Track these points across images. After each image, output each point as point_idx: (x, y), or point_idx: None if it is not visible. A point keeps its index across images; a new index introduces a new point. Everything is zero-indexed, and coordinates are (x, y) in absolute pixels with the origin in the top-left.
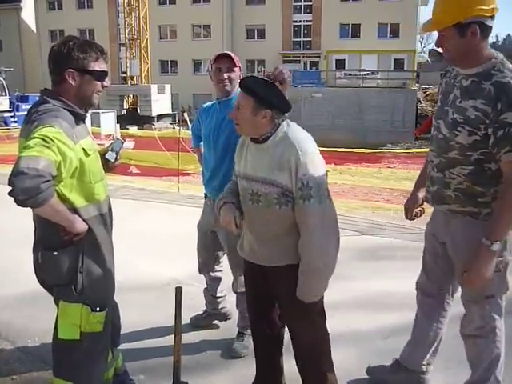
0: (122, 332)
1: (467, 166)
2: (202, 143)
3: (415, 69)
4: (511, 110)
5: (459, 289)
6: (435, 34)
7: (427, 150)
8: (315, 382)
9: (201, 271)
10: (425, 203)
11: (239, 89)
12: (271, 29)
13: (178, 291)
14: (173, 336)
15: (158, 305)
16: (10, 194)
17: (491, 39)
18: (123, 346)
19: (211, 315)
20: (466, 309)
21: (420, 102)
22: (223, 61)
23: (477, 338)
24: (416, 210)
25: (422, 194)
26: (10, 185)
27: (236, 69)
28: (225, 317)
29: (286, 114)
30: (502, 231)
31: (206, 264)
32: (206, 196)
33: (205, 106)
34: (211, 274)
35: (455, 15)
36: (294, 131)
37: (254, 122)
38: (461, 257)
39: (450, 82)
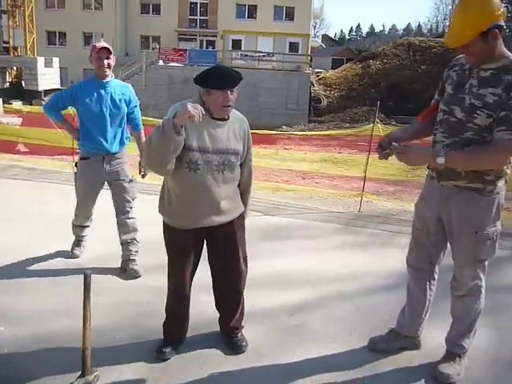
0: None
1: (481, 144)
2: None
3: (309, 53)
4: None
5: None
6: (327, 20)
7: (321, 132)
8: (238, 306)
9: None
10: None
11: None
12: (167, 5)
13: (88, 276)
14: (77, 323)
15: (54, 290)
16: None
17: (378, 28)
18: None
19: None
20: (459, 272)
21: (313, 85)
22: (103, 51)
23: (466, 297)
24: (387, 151)
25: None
26: None
27: (111, 56)
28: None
29: None
30: (459, 163)
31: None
32: (83, 158)
33: (80, 83)
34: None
35: (478, 27)
36: None
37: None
38: (467, 228)
39: (463, 74)
